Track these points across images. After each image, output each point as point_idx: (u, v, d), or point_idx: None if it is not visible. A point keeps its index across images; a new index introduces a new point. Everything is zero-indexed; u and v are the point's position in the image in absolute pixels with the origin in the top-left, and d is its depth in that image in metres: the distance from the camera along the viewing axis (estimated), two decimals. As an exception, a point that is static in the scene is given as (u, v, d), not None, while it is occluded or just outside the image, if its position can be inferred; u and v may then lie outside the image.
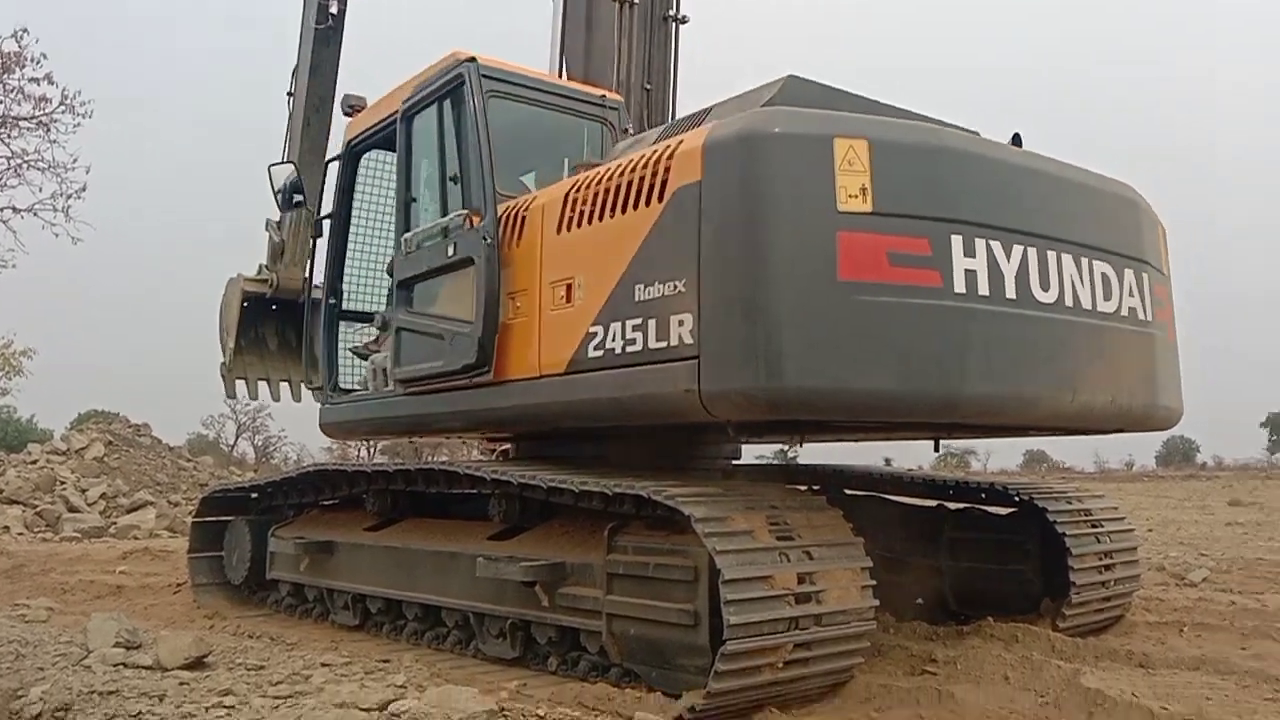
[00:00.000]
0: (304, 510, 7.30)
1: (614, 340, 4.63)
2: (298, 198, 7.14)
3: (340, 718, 3.41)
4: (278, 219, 9.39)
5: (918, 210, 4.23)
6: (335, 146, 7.94)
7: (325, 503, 7.13)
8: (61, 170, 22.15)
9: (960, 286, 4.25)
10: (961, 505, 6.50)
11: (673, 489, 4.31)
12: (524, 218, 5.33)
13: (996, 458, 44.98)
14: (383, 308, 7.29)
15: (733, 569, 3.95)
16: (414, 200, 6.25)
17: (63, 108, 21.91)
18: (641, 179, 4.60)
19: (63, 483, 14.72)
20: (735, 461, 6.48)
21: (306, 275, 9.44)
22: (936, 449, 6.37)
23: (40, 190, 22.35)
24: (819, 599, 4.17)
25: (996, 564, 6.12)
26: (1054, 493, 6.11)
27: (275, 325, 9.74)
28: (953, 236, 4.26)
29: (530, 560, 4.91)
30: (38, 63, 21.69)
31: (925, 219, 4.23)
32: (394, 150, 7.28)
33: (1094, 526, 5.84)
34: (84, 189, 22.37)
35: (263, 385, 9.59)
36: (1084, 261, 4.75)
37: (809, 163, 4.17)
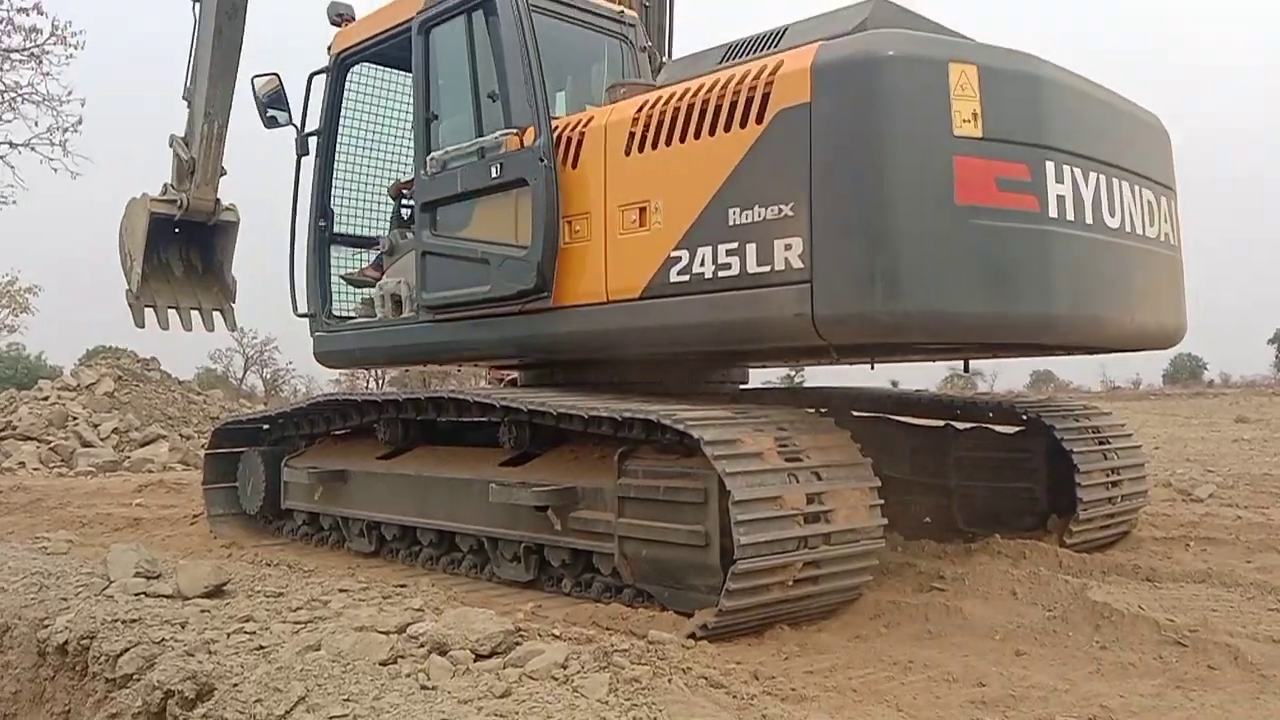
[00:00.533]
0: (315, 440, 7.33)
1: (703, 264, 4.61)
2: (277, 114, 6.76)
3: (360, 640, 3.47)
4: (183, 135, 8.81)
5: (1017, 136, 4.33)
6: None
7: (336, 432, 7.15)
8: (56, 103, 21.92)
9: (1053, 211, 4.36)
10: (969, 425, 6.53)
11: (682, 413, 4.33)
12: (580, 138, 5.23)
13: (1004, 377, 45.05)
14: (382, 231, 7.17)
15: (742, 490, 3.99)
16: (434, 118, 6.06)
17: (53, 39, 21.58)
18: (733, 101, 4.54)
19: (75, 418, 14.80)
20: (742, 386, 6.50)
21: (218, 196, 8.89)
22: (966, 369, 6.38)
23: (36, 124, 22.17)
24: (828, 518, 4.22)
25: (1004, 482, 6.17)
26: (1061, 410, 6.14)
27: (180, 249, 9.23)
28: (1046, 162, 4.36)
29: (542, 485, 4.96)
30: (25, -9, 21.31)
31: (1024, 145, 4.34)
32: (389, 66, 7.05)
33: (1101, 443, 5.88)
34: (80, 122, 22.15)
35: (173, 314, 9.14)
36: (1136, 189, 4.90)
37: (926, 87, 4.20)
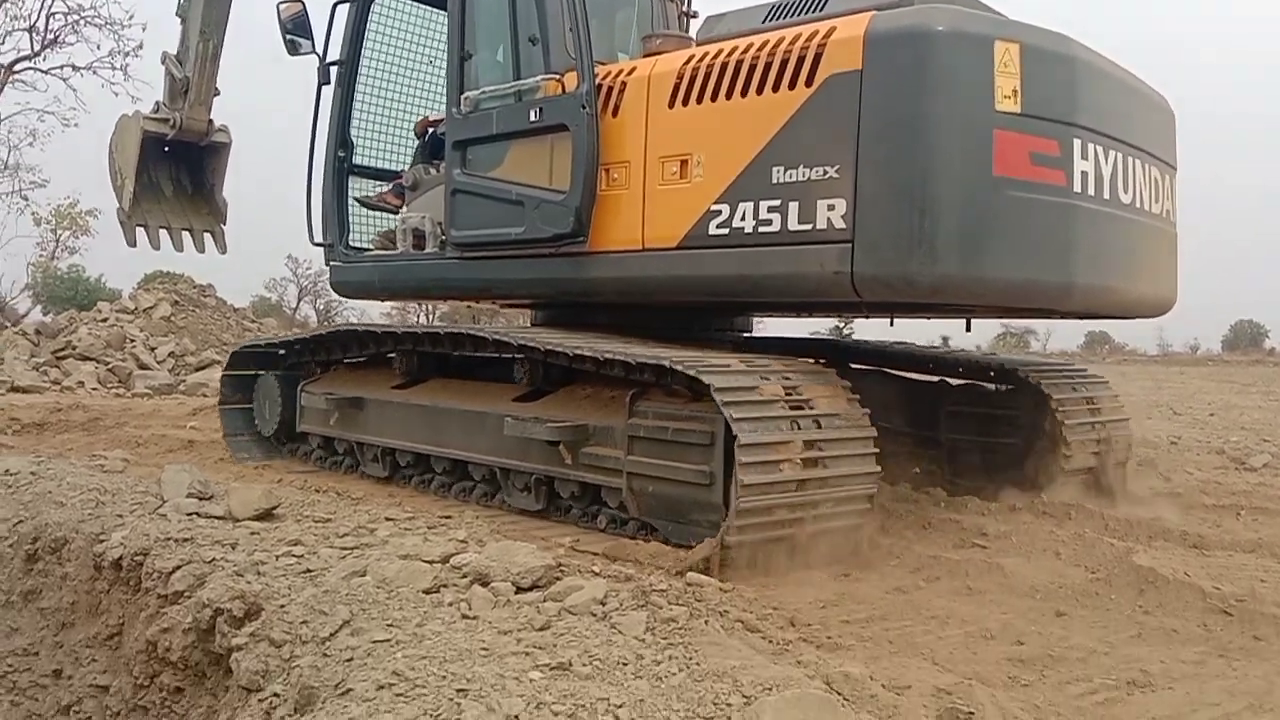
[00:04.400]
0: (330, 367, 7.34)
1: (743, 219, 4.76)
2: (300, 41, 6.67)
3: (404, 568, 3.52)
4: (176, 52, 8.64)
5: (1051, 114, 4.53)
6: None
7: (350, 360, 7.16)
8: (118, 27, 22.01)
9: (1078, 186, 4.58)
10: (963, 381, 6.66)
11: (693, 361, 4.52)
12: (622, 88, 5.30)
13: (1057, 337, 44.08)
14: (401, 164, 7.20)
15: (748, 434, 4.18)
16: (469, 57, 6.08)
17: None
18: (783, 62, 4.65)
19: (132, 340, 15.07)
20: (746, 335, 6.60)
21: (211, 117, 8.73)
22: (968, 329, 6.39)
23: (99, 48, 22.32)
24: (825, 464, 4.42)
25: (992, 437, 6.33)
26: (1052, 369, 6.41)
27: (170, 169, 9.11)
28: (1074, 140, 4.57)
29: (556, 422, 5.13)
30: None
31: (1056, 122, 4.54)
32: (417, 1, 7.05)
33: (1075, 389, 6.16)
34: (141, 46, 22.25)
35: (164, 234, 9.07)
36: (1146, 166, 5.10)
37: (973, 62, 4.39)
